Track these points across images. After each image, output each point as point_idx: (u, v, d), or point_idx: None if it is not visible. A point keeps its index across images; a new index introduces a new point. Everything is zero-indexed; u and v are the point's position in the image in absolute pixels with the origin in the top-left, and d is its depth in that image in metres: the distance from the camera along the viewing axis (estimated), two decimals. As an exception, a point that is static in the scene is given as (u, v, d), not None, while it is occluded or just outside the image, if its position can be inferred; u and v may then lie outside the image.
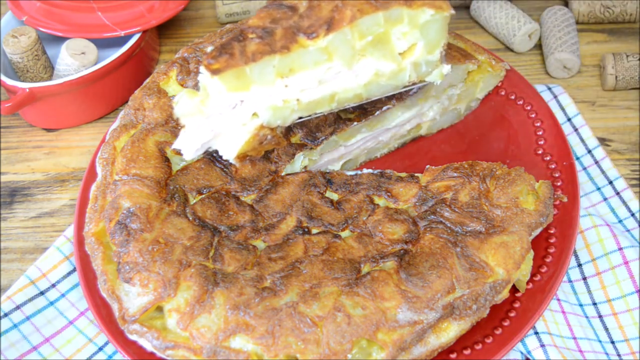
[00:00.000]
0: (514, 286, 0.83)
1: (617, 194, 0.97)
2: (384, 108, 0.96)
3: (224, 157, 0.83)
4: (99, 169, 0.91)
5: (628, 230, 0.94)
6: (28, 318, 0.88)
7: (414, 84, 0.87)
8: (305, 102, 0.82)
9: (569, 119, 1.06)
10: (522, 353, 0.83)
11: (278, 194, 0.88)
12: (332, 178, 0.90)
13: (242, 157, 0.83)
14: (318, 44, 0.77)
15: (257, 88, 0.78)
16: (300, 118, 0.84)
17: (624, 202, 0.96)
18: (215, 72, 0.75)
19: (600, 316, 0.87)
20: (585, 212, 0.93)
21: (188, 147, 0.81)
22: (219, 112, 0.79)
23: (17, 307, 0.88)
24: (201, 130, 0.80)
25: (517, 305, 0.82)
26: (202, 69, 0.76)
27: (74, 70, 1.10)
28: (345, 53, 0.79)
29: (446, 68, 0.87)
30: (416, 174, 0.90)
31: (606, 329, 0.86)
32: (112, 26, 1.13)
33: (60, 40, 1.18)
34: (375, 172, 0.91)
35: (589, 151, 1.02)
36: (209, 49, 0.76)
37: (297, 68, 0.79)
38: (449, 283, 0.77)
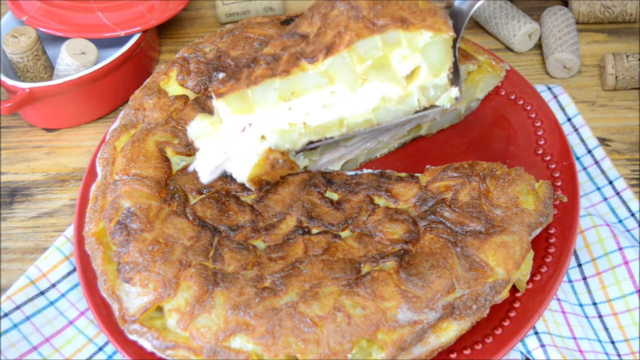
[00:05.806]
0: (514, 286, 0.83)
1: (617, 194, 0.97)
2: (384, 108, 0.96)
3: (238, 180, 0.85)
4: (99, 169, 0.91)
5: (628, 230, 0.94)
6: (28, 318, 0.88)
7: (425, 109, 0.87)
8: (313, 126, 0.83)
9: (569, 119, 1.06)
10: (522, 353, 0.83)
11: (278, 194, 0.88)
12: (332, 178, 0.90)
13: (258, 182, 0.85)
14: (318, 67, 0.79)
15: (261, 111, 0.80)
16: (312, 142, 0.85)
17: (624, 202, 0.96)
18: (219, 95, 0.79)
19: (600, 316, 0.87)
20: (585, 212, 0.93)
21: (203, 168, 0.84)
22: (230, 134, 0.82)
23: (17, 307, 0.88)
24: (214, 152, 0.83)
25: (517, 305, 0.82)
26: (212, 93, 0.80)
27: (74, 70, 1.10)
28: (346, 77, 0.81)
29: (454, 91, 0.87)
30: (416, 174, 0.90)
31: (606, 329, 0.86)
32: (112, 26, 1.13)
33: (60, 40, 1.18)
34: (375, 172, 0.91)
35: (589, 151, 1.02)
36: (220, 75, 0.80)
37: (299, 91, 0.81)
38: (449, 283, 0.77)
